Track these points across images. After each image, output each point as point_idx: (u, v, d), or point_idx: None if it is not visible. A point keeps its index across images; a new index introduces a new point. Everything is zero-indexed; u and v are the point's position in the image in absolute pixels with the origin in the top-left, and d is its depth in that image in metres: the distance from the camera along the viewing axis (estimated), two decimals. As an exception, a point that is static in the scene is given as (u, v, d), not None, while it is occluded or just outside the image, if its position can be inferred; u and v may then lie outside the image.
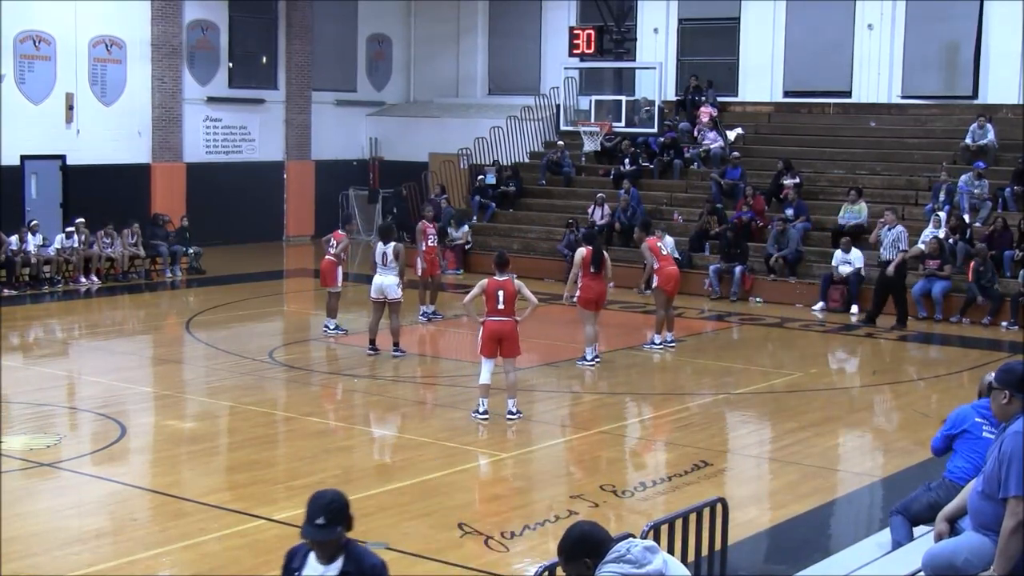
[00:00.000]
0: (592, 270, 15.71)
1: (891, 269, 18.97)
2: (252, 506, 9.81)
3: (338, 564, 5.08)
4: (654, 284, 17.08)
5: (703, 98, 27.04)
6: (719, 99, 27.29)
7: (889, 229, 19.25)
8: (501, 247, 24.42)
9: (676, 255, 20.38)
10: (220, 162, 28.55)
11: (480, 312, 13.06)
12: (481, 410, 12.73)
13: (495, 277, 12.87)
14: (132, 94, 26.55)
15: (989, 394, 6.97)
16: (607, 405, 14.27)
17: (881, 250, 19.43)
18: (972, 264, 19.74)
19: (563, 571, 5.01)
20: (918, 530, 7.34)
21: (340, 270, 17.58)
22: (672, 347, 17.08)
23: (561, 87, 27.92)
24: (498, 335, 12.62)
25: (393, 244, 16.11)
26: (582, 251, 15.84)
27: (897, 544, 7.35)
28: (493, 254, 13.81)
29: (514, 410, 12.80)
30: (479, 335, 12.82)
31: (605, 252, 16.23)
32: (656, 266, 16.76)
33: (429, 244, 19.01)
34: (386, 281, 16.02)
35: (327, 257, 17.67)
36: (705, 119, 26.37)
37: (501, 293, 12.68)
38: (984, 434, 7.22)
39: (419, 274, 18.85)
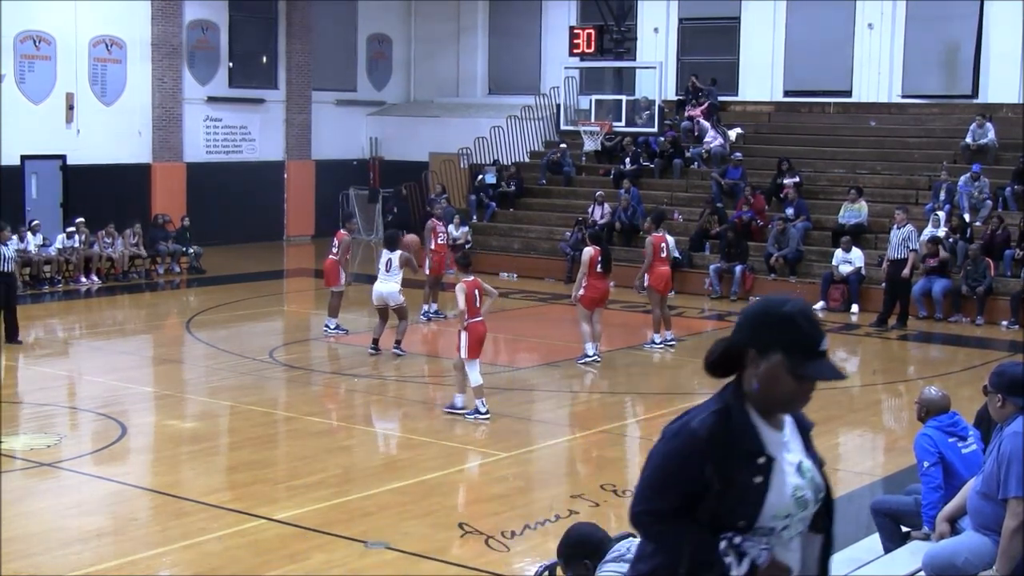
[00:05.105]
0: (599, 270, 15.72)
1: (907, 271, 18.84)
2: (252, 506, 9.81)
3: (788, 420, 3.42)
4: (646, 283, 17.08)
5: (702, 96, 27.02)
6: (720, 99, 27.28)
7: (899, 228, 19.15)
8: (501, 247, 24.55)
9: (676, 254, 20.37)
10: (220, 162, 28.53)
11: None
12: (482, 410, 12.72)
13: (466, 279, 12.84)
14: (132, 94, 26.54)
15: (922, 415, 7.13)
16: (607, 404, 14.27)
17: (889, 250, 19.36)
18: (963, 262, 19.80)
19: (563, 573, 5.03)
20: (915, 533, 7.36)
21: (343, 270, 17.60)
22: (672, 346, 17.08)
23: (561, 87, 27.91)
24: (482, 336, 12.67)
25: (399, 253, 16.11)
26: (589, 251, 15.78)
27: (888, 549, 7.38)
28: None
29: (484, 409, 12.70)
30: (463, 340, 12.59)
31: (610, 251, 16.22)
32: (650, 264, 16.79)
33: (439, 243, 19.03)
34: (385, 289, 15.99)
35: (330, 257, 17.69)
36: (701, 116, 26.35)
37: (477, 292, 12.73)
38: (965, 451, 7.23)
39: (427, 272, 18.86)
